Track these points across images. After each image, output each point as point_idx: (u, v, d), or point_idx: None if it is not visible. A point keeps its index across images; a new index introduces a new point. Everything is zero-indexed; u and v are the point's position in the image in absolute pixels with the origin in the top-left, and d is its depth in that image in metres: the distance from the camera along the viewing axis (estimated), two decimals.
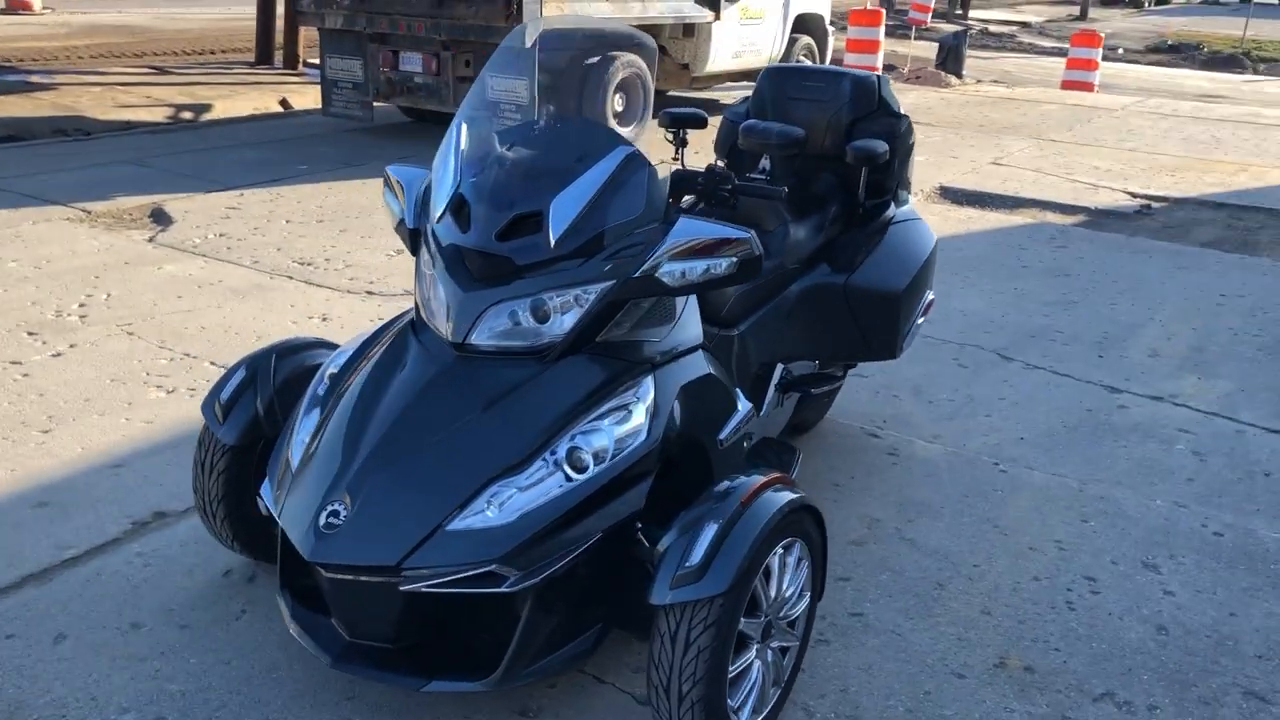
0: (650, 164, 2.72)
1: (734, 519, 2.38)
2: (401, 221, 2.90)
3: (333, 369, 2.83)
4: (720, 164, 3.46)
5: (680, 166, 3.85)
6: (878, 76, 3.94)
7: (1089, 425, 4.45)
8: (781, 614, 2.60)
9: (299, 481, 2.55)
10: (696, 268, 2.59)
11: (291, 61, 12.62)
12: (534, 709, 2.69)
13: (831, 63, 12.73)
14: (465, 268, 2.65)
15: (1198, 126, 12.03)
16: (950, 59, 15.75)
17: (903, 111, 3.91)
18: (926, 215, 7.67)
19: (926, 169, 9.02)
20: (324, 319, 5.19)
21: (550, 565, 2.40)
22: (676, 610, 2.33)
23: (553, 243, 2.57)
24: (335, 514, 2.42)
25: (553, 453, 2.48)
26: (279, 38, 12.80)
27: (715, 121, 4.14)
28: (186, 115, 10.26)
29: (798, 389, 3.65)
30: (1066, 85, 15.57)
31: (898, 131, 3.83)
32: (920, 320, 3.89)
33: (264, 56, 12.91)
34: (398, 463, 2.46)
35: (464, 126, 2.86)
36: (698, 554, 2.33)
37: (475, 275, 2.62)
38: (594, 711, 2.70)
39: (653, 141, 3.66)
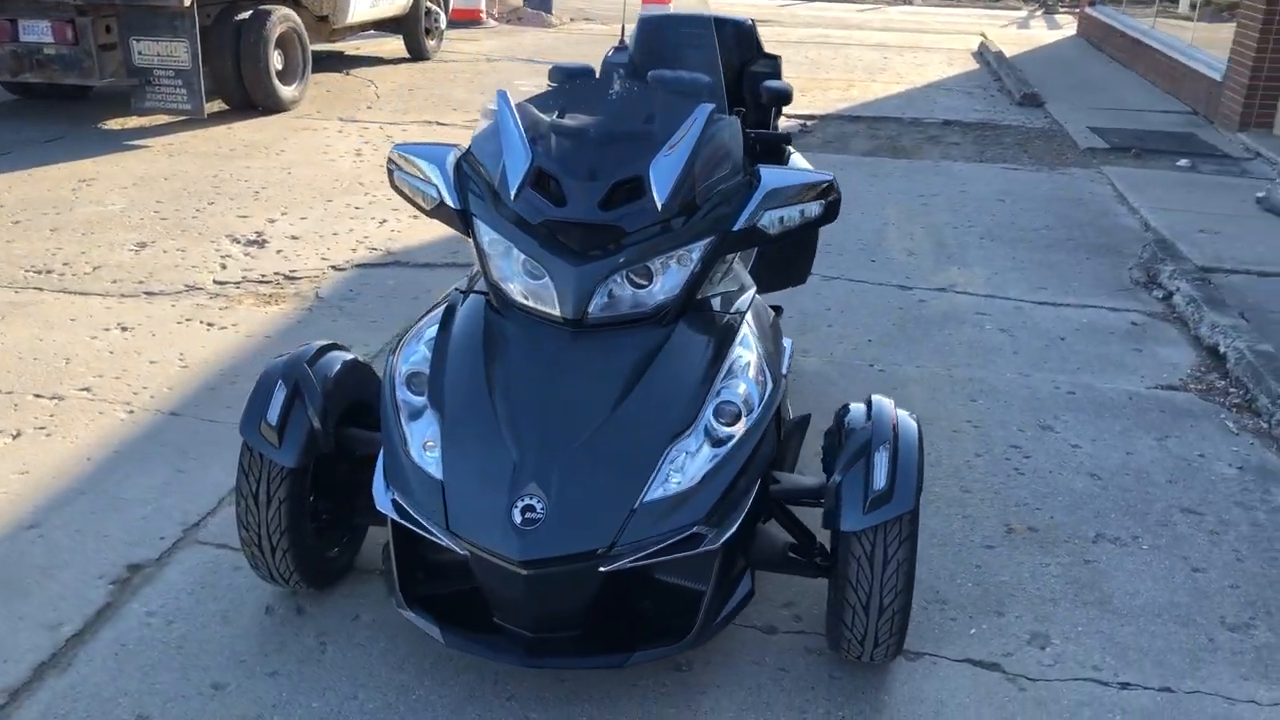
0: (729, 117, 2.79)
1: (897, 441, 2.58)
2: (440, 204, 2.76)
3: (407, 369, 2.66)
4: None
5: None
6: (751, 21, 4.17)
7: (911, 320, 5.04)
8: None
9: (460, 487, 2.42)
10: (793, 214, 2.72)
11: None
12: (685, 662, 2.76)
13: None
14: (562, 242, 2.60)
15: (797, 49, 13.28)
16: None
17: (774, 53, 4.17)
18: None
19: None
20: (123, 329, 4.62)
21: (736, 517, 2.49)
22: (870, 533, 2.50)
23: (660, 206, 2.60)
24: (530, 509, 2.34)
25: (708, 410, 2.54)
26: None
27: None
28: None
29: None
30: None
31: (779, 71, 4.09)
32: None
33: None
34: (576, 445, 2.42)
35: (510, 97, 2.77)
36: (881, 478, 2.51)
37: (580, 248, 2.59)
38: (735, 651, 2.82)
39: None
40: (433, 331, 2.75)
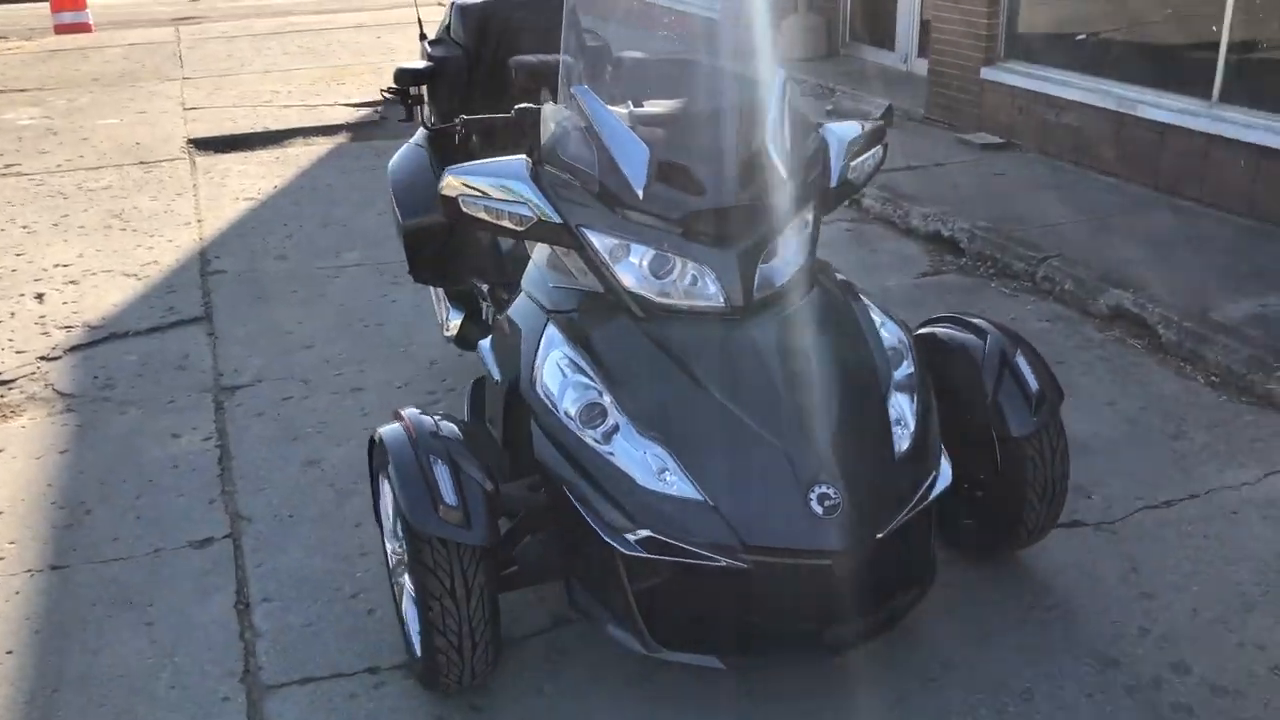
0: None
1: (1018, 346, 2.82)
2: (537, 222, 2.52)
3: (577, 406, 2.41)
4: None
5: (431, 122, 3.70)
6: None
7: None
8: None
9: (738, 500, 2.28)
10: (868, 161, 2.82)
11: None
12: None
13: None
14: (703, 231, 2.50)
15: (282, 41, 12.58)
16: None
17: None
18: (246, 167, 7.33)
19: (138, 128, 8.33)
20: None
21: (942, 451, 2.59)
22: (1040, 433, 2.73)
23: (785, 176, 2.59)
24: (826, 496, 2.28)
25: (886, 360, 2.60)
26: None
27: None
28: None
29: None
30: (61, 29, 14.68)
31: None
32: None
33: None
34: (830, 423, 2.38)
35: (594, 95, 2.56)
36: (1033, 381, 2.75)
37: (726, 234, 2.51)
38: None
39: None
40: (563, 360, 2.50)
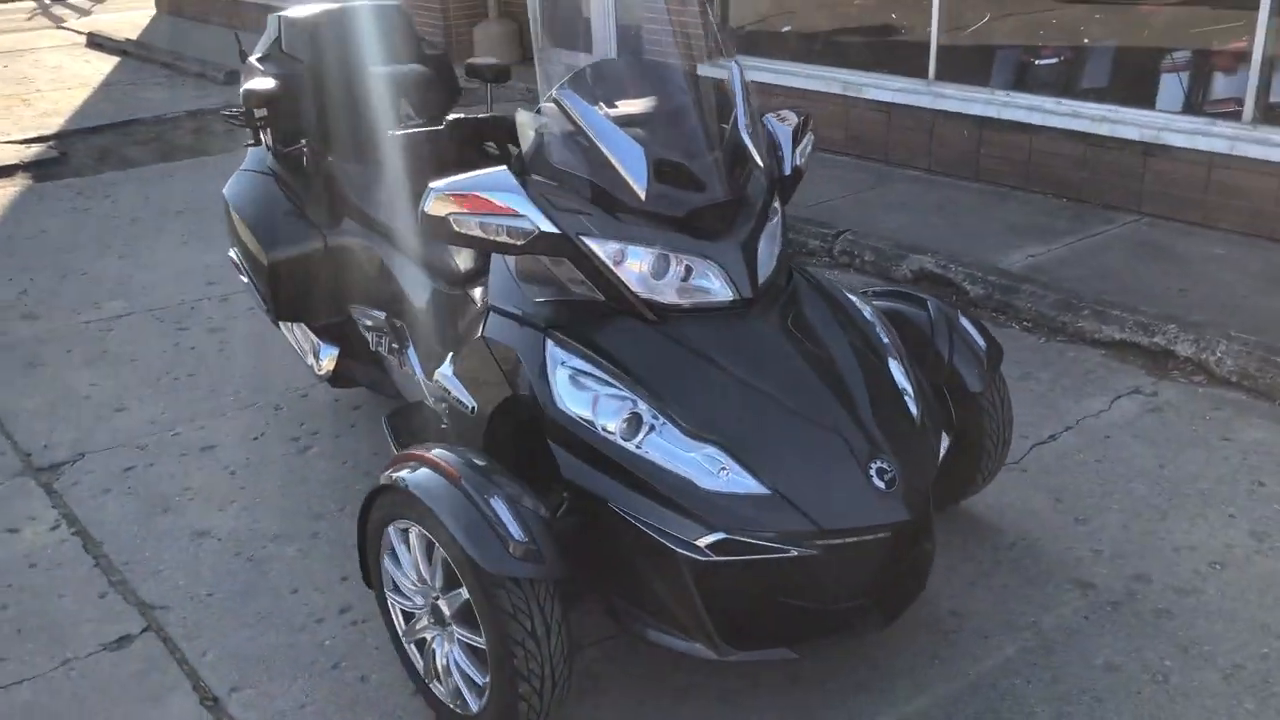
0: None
1: (957, 311, 3.01)
2: (537, 235, 2.40)
3: (615, 421, 2.33)
4: None
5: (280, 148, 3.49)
6: (400, 3, 3.84)
7: None
8: None
9: (803, 486, 2.29)
10: (807, 148, 2.90)
11: None
12: None
13: None
14: (709, 227, 2.49)
15: None
16: None
17: None
18: None
19: None
20: None
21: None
22: (992, 386, 2.93)
23: (763, 167, 2.62)
24: (884, 470, 2.35)
25: (879, 334, 2.70)
26: None
27: None
28: None
29: None
30: None
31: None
32: None
33: None
34: (861, 403, 2.45)
35: (582, 103, 2.46)
36: (979, 339, 2.95)
37: (725, 227, 2.52)
38: None
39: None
40: (581, 375, 2.40)
